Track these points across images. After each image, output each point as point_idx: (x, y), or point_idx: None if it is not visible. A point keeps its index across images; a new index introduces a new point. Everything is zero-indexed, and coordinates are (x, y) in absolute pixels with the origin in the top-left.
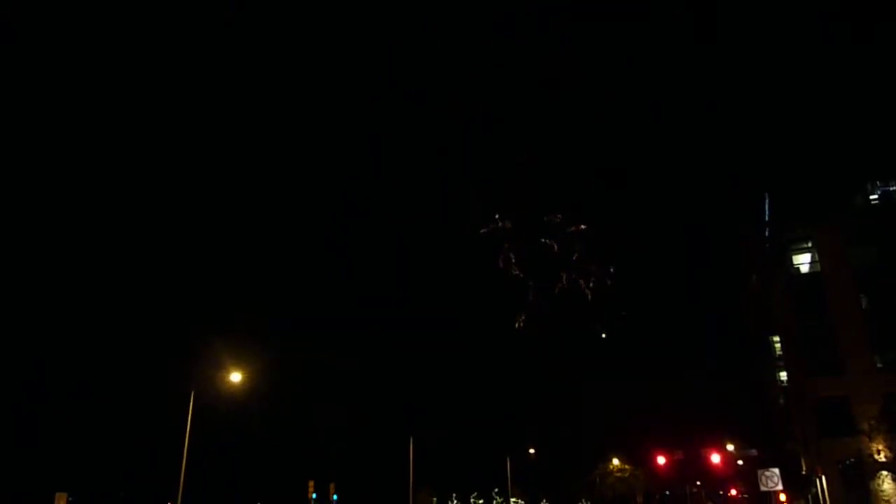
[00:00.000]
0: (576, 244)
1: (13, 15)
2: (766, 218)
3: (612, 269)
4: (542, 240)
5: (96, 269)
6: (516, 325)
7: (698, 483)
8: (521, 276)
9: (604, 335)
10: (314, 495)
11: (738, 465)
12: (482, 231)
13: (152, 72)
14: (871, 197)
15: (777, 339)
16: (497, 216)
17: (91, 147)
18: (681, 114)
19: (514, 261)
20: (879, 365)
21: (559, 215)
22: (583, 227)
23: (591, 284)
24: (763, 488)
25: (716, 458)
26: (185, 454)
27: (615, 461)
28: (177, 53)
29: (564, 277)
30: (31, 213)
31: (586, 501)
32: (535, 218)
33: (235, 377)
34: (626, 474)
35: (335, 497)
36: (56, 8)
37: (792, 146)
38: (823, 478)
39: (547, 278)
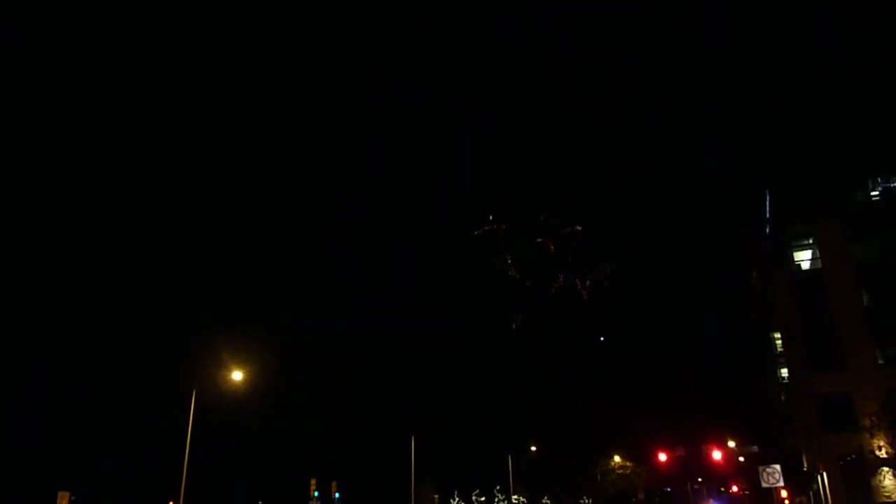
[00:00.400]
0: (573, 244)
1: (13, 15)
2: (767, 215)
3: (607, 271)
4: (539, 240)
5: (97, 268)
6: (513, 325)
7: (700, 480)
8: (517, 276)
9: (602, 338)
10: (316, 493)
11: (740, 461)
12: (476, 233)
13: (152, 71)
14: (872, 193)
15: (778, 335)
16: (490, 217)
17: (91, 147)
18: (681, 112)
19: (509, 262)
20: (881, 361)
21: (556, 215)
22: (578, 228)
23: (587, 283)
24: (764, 485)
25: (717, 455)
26: (186, 452)
27: (616, 458)
28: (177, 53)
29: (562, 277)
30: (31, 213)
31: (588, 498)
32: (534, 218)
33: (237, 376)
34: (628, 471)
35: (337, 495)
36: (56, 8)
37: (792, 143)
38: (824, 474)
39: (545, 278)
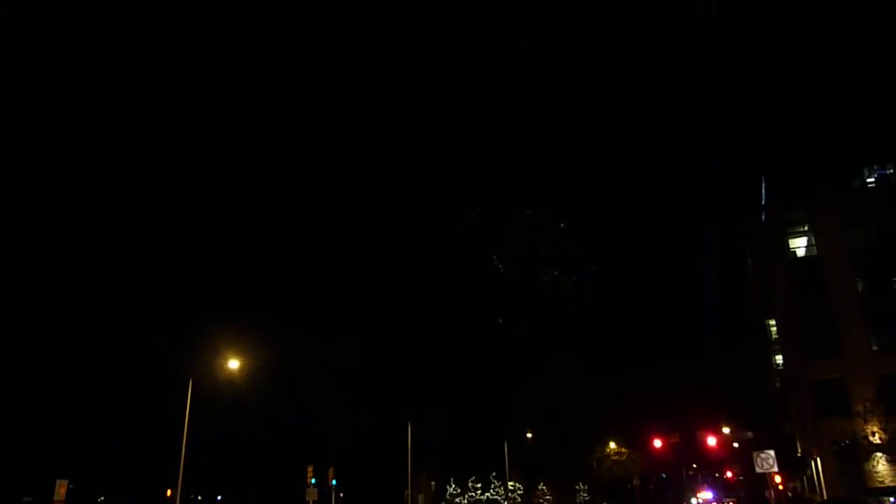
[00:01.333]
0: (565, 237)
1: (13, 15)
2: (763, 202)
3: (592, 267)
4: (529, 235)
5: (99, 265)
6: (499, 320)
7: (694, 466)
8: (504, 271)
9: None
10: (313, 480)
11: (734, 447)
12: (462, 233)
13: (153, 71)
14: (868, 180)
15: (773, 322)
16: (472, 215)
17: (92, 146)
18: (677, 103)
19: (496, 258)
20: (875, 347)
21: (545, 214)
22: (561, 224)
23: (572, 278)
24: (759, 470)
25: (712, 441)
26: (184, 442)
27: (612, 444)
28: (178, 53)
29: (554, 270)
30: (34, 212)
31: (583, 484)
32: (531, 214)
33: (234, 364)
34: (623, 457)
35: (334, 482)
36: (56, 8)
37: (788, 130)
38: (818, 459)
39: (537, 270)
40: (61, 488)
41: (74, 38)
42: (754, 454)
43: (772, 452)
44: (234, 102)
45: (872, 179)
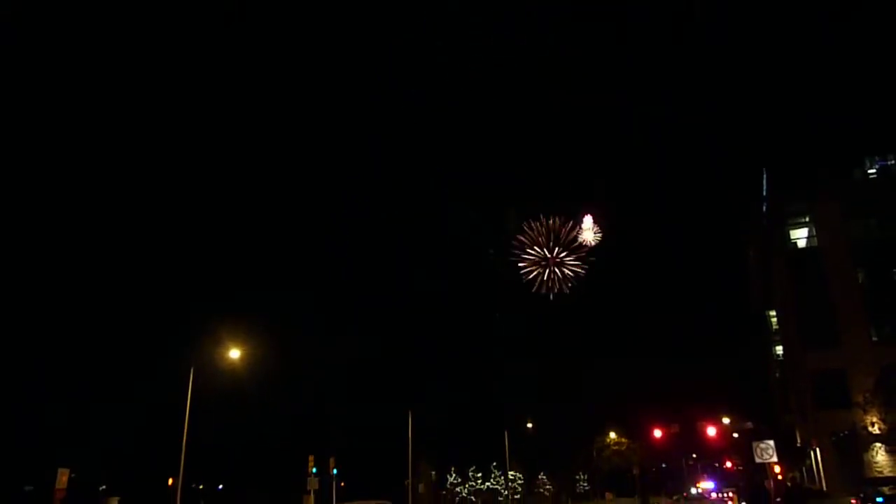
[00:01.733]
0: (564, 230)
1: (13, 15)
2: (765, 193)
3: (590, 262)
4: (531, 227)
5: (107, 261)
6: (496, 315)
7: (694, 456)
8: (500, 264)
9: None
10: (314, 469)
11: (734, 437)
12: (462, 232)
13: (153, 71)
14: (870, 171)
15: (773, 313)
16: (469, 212)
17: (93, 146)
18: (679, 103)
19: (493, 254)
20: (875, 338)
21: (546, 211)
22: (557, 218)
23: (571, 273)
24: (758, 460)
25: (711, 431)
26: (185, 431)
27: (612, 434)
28: (178, 53)
29: (554, 263)
30: (33, 210)
31: (583, 474)
32: (529, 210)
33: (234, 353)
34: (623, 447)
35: (335, 471)
36: (56, 8)
37: (790, 122)
38: (818, 450)
39: (536, 263)
40: (63, 477)
41: (74, 38)
42: (754, 444)
43: (771, 442)
44: (235, 102)
45: (874, 170)
